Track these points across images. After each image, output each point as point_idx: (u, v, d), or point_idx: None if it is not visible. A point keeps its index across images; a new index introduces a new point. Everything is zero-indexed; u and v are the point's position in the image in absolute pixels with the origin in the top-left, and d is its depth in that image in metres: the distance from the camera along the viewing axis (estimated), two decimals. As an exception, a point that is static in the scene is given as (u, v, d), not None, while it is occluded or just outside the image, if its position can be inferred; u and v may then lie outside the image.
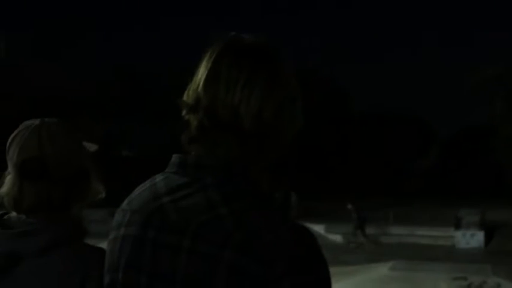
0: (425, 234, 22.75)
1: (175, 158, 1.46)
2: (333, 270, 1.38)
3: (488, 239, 22.37)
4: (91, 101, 35.08)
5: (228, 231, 1.28)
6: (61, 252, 1.68)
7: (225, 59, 1.41)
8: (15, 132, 1.82)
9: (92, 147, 1.92)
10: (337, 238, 22.61)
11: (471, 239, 22.13)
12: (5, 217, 1.78)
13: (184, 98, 1.45)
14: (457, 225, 22.84)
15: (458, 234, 22.35)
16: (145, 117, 38.60)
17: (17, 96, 32.85)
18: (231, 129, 1.38)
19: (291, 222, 1.33)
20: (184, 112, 1.44)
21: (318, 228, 21.86)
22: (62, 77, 36.25)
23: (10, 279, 1.68)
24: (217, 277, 1.26)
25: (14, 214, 1.78)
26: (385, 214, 25.48)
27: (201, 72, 1.43)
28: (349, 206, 13.13)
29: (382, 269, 15.12)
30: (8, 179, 1.81)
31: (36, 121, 1.83)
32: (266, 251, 1.26)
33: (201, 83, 1.42)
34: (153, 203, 1.42)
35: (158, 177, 1.48)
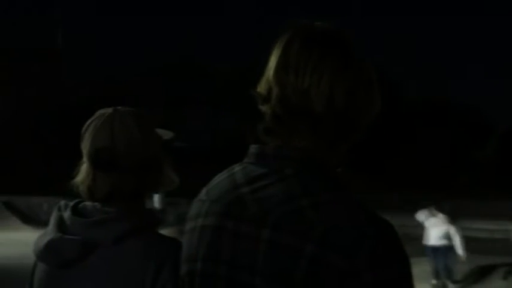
0: (481, 228, 22.44)
1: (253, 148, 1.44)
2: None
3: (546, 233, 21.92)
4: (145, 90, 35.51)
5: (309, 223, 1.27)
6: (136, 242, 1.68)
7: (293, 46, 1.40)
8: (89, 121, 1.82)
9: (167, 134, 1.90)
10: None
11: (529, 232, 21.73)
12: (80, 205, 1.79)
13: (258, 88, 1.44)
14: (515, 219, 22.44)
15: (516, 228, 21.97)
16: (198, 109, 38.92)
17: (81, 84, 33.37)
18: (303, 115, 1.37)
19: (373, 216, 1.31)
20: (259, 103, 1.43)
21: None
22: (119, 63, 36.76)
23: (85, 267, 1.69)
24: (298, 269, 1.25)
25: (89, 203, 1.79)
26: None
27: (272, 61, 1.43)
28: (432, 208, 12.85)
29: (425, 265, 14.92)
30: (83, 167, 1.82)
31: (109, 110, 1.83)
32: (348, 244, 1.25)
33: (272, 72, 1.41)
34: (231, 194, 1.42)
35: (236, 167, 1.47)
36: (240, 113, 33.70)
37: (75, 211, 1.76)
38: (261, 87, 1.43)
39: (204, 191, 1.52)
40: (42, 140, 33.57)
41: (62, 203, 1.80)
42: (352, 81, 1.38)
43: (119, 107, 1.84)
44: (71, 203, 1.80)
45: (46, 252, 1.73)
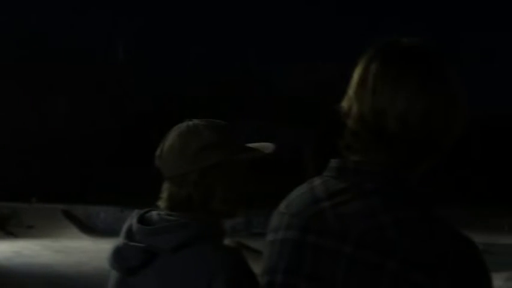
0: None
1: (334, 162, 1.45)
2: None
3: None
4: (206, 100, 35.84)
5: (391, 240, 1.27)
6: (192, 251, 1.70)
7: (373, 65, 1.40)
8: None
9: (268, 148, 1.90)
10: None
11: None
12: (147, 214, 1.83)
13: (342, 103, 1.45)
14: None
15: None
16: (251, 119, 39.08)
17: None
18: (378, 133, 1.37)
19: (455, 233, 1.31)
20: (342, 118, 1.44)
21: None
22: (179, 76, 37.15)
23: (147, 275, 1.73)
24: (380, 285, 1.26)
25: (156, 211, 1.83)
26: (498, 223, 24.72)
27: (353, 78, 1.43)
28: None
29: (497, 280, 14.62)
30: None
31: (183, 123, 1.87)
32: (430, 261, 1.25)
33: (352, 89, 1.42)
34: (312, 207, 1.42)
35: (316, 181, 1.48)
36: (302, 125, 33.70)
37: (142, 219, 1.80)
38: (345, 103, 1.44)
39: (284, 204, 1.53)
40: (102, 149, 34.14)
41: (135, 211, 1.85)
42: (430, 101, 1.37)
43: (191, 120, 1.87)
44: (141, 212, 1.84)
45: (113, 259, 1.78)
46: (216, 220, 1.82)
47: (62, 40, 35.02)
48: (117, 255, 1.77)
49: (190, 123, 1.85)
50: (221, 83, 39.81)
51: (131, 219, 1.82)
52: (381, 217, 1.30)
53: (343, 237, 1.32)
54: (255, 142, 1.94)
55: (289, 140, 34.11)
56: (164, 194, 1.83)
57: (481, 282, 1.28)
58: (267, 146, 1.91)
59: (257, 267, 1.61)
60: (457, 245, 1.28)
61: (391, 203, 1.32)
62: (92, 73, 34.47)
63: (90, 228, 22.84)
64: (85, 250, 17.70)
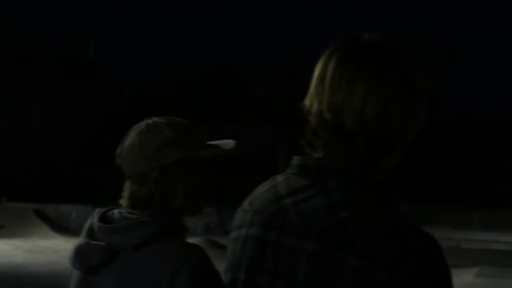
0: (511, 241, 22.11)
1: (296, 159, 1.46)
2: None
3: None
4: (172, 100, 35.67)
5: (351, 236, 1.29)
6: (154, 249, 1.70)
7: (331, 62, 1.41)
8: None
9: (229, 144, 1.89)
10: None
11: (560, 246, 21.38)
12: (109, 212, 1.82)
13: (305, 100, 1.45)
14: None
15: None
16: (226, 118, 38.98)
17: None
18: (335, 130, 1.38)
19: (415, 228, 1.32)
20: (304, 115, 1.45)
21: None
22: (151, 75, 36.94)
23: (109, 273, 1.72)
24: (341, 281, 1.27)
25: (117, 210, 1.82)
26: (469, 218, 24.94)
27: (314, 75, 1.44)
28: None
29: (467, 276, 14.77)
30: None
31: (143, 122, 1.87)
32: (390, 256, 1.26)
33: (313, 86, 1.43)
34: (274, 205, 1.44)
35: (279, 178, 1.49)
36: (277, 124, 33.73)
37: (103, 218, 1.80)
38: (307, 100, 1.45)
39: (247, 201, 1.54)
40: (73, 149, 33.88)
41: (96, 210, 1.84)
42: (388, 96, 1.37)
43: (151, 119, 1.87)
44: (103, 210, 1.84)
45: (74, 258, 1.77)
46: (177, 217, 1.82)
47: (33, 39, 34.64)
48: (78, 254, 1.76)
49: (150, 121, 1.85)
50: (194, 82, 39.63)
51: (92, 218, 1.82)
52: (342, 213, 1.31)
53: (305, 234, 1.33)
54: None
55: (264, 138, 34.11)
56: (125, 193, 1.83)
57: (441, 277, 1.29)
58: (228, 143, 1.90)
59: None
60: (417, 240, 1.29)
61: (352, 200, 1.33)
62: (61, 72, 34.12)
63: (62, 227, 22.62)
64: (57, 249, 17.52)
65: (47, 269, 14.61)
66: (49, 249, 17.56)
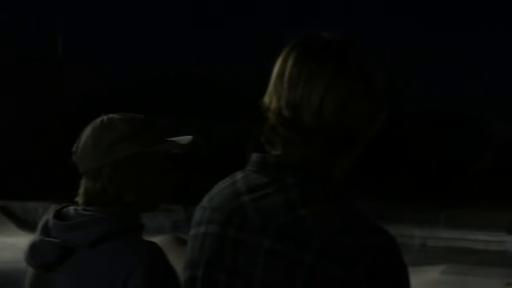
0: (476, 239, 22.40)
1: (255, 156, 1.46)
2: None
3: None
4: (138, 98, 35.52)
5: (309, 233, 1.28)
6: (110, 246, 1.69)
7: (290, 59, 1.40)
8: None
9: (185, 140, 1.89)
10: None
11: (524, 244, 21.68)
12: (64, 209, 1.80)
13: (264, 98, 1.45)
14: (510, 230, 22.43)
15: (511, 239, 21.93)
16: (193, 115, 38.89)
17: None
18: (294, 127, 1.38)
19: (372, 226, 1.32)
20: (263, 112, 1.44)
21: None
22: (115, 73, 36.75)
23: (64, 271, 1.71)
24: (298, 278, 1.27)
25: (72, 206, 1.81)
26: (435, 217, 25.20)
27: (273, 72, 1.44)
28: None
29: (433, 273, 14.94)
30: None
31: (98, 119, 1.85)
32: (346, 253, 1.26)
33: (272, 83, 1.43)
34: (233, 202, 1.43)
35: (238, 175, 1.48)
36: (237, 120, 33.73)
37: (59, 215, 1.78)
38: (266, 97, 1.44)
39: (206, 198, 1.54)
40: (40, 145, 33.57)
41: (52, 206, 1.82)
42: (346, 94, 1.37)
43: (107, 115, 1.85)
44: (58, 207, 1.81)
45: (28, 255, 1.76)
46: (133, 214, 1.81)
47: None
48: (33, 251, 1.74)
49: (105, 117, 1.84)
50: (162, 81, 39.50)
51: (48, 215, 1.80)
52: (300, 211, 1.31)
53: (263, 231, 1.33)
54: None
55: (233, 136, 34.14)
56: (81, 189, 1.82)
57: (398, 274, 1.29)
58: (185, 139, 1.89)
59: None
60: (373, 238, 1.29)
61: (311, 197, 1.33)
62: (28, 70, 33.78)
63: (28, 225, 22.42)
64: (22, 247, 17.38)
65: (12, 266, 14.44)
66: (14, 246, 17.35)
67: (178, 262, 1.66)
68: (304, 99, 1.36)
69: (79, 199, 1.82)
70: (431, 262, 17.18)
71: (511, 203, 32.36)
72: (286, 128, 1.38)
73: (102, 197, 1.78)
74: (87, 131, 1.83)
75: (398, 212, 23.39)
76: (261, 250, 1.32)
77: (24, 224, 22.71)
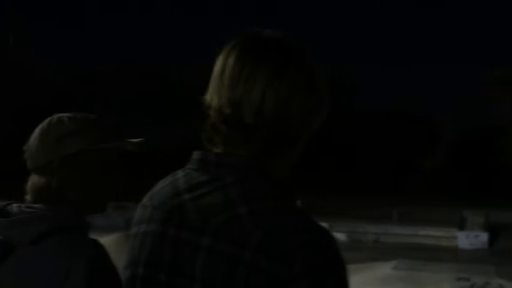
0: (428, 235, 22.69)
1: (196, 154, 1.45)
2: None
3: (492, 240, 22.29)
4: (93, 95, 35.16)
5: (247, 231, 1.28)
6: (50, 244, 1.67)
7: (231, 56, 1.40)
8: None
9: (134, 140, 1.89)
10: (341, 236, 22.63)
11: (475, 240, 22.03)
12: (8, 207, 1.79)
13: (206, 95, 1.45)
14: (461, 226, 22.79)
15: (462, 235, 22.28)
16: (149, 114, 38.64)
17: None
18: (235, 125, 1.38)
19: (310, 223, 1.32)
20: (205, 110, 1.44)
21: (322, 226, 21.74)
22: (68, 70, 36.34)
23: (4, 269, 1.69)
24: (237, 277, 1.27)
25: (16, 204, 1.79)
26: (388, 213, 25.47)
27: (214, 70, 1.44)
28: None
29: (385, 268, 15.09)
30: None
31: (49, 117, 1.86)
32: (285, 251, 1.26)
33: (212, 81, 1.43)
34: (173, 200, 1.43)
35: (179, 174, 1.48)
36: (191, 118, 33.61)
37: (2, 212, 1.77)
38: (208, 95, 1.44)
39: (147, 196, 1.53)
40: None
41: None
42: (287, 91, 1.38)
43: (57, 114, 1.86)
44: (3, 204, 1.80)
45: None
46: (77, 212, 1.79)
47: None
48: None
49: (55, 116, 1.84)
50: (117, 78, 39.15)
51: None
52: (239, 209, 1.31)
53: (202, 229, 1.33)
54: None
55: (188, 137, 33.99)
56: (28, 186, 1.81)
57: (337, 272, 1.29)
58: (135, 139, 1.90)
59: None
60: (312, 235, 1.29)
61: (250, 195, 1.33)
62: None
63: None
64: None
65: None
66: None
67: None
68: (244, 97, 1.37)
69: (27, 197, 1.81)
70: (384, 258, 17.36)
71: (461, 199, 32.96)
72: (227, 126, 1.38)
73: (45, 193, 1.77)
74: (37, 129, 1.83)
75: (352, 208, 23.54)
76: (200, 249, 1.32)
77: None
